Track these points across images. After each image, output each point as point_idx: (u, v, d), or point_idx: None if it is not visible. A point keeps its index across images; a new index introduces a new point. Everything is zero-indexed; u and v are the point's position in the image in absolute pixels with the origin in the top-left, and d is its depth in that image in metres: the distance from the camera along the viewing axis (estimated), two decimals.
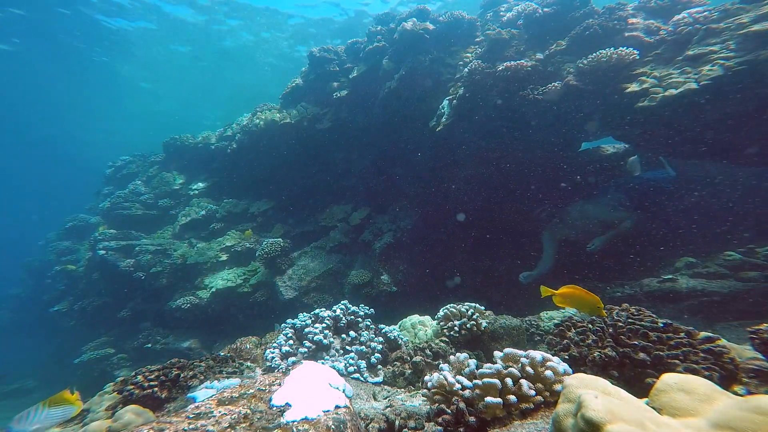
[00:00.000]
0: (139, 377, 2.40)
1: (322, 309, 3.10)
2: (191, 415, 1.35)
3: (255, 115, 7.32)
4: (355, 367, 2.63)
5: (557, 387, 1.49)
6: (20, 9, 12.74)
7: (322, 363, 2.57)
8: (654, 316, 1.97)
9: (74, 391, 1.98)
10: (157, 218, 8.71)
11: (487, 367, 1.59)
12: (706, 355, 1.70)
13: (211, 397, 1.54)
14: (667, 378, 1.13)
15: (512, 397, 1.47)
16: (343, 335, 2.91)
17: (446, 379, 1.66)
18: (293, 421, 1.30)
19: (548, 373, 1.52)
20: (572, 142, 4.90)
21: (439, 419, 1.57)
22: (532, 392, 1.49)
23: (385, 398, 2.28)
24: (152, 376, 2.38)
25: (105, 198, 9.42)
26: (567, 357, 1.97)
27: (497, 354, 1.70)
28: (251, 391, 1.52)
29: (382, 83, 6.00)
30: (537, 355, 1.58)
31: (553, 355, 1.65)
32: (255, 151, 7.44)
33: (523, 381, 1.52)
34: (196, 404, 1.47)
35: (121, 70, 18.74)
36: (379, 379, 2.61)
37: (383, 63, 5.90)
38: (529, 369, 1.55)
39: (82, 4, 13.04)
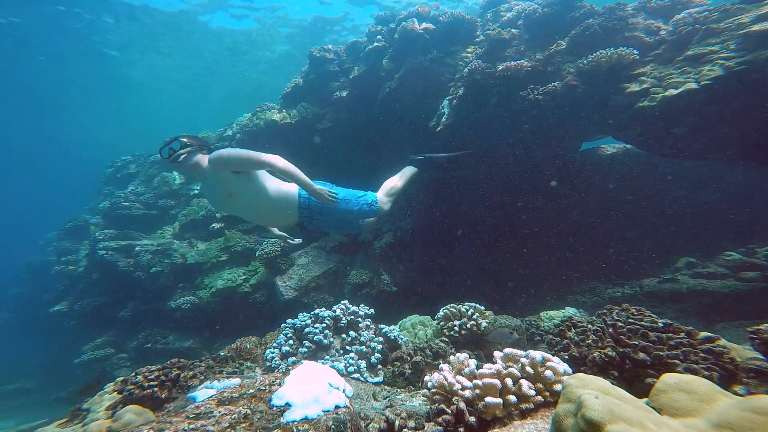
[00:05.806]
0: (139, 377, 2.41)
1: (322, 309, 3.10)
2: (191, 415, 1.35)
3: (255, 114, 7.31)
4: (355, 367, 2.63)
5: (557, 387, 1.49)
6: None
7: (322, 363, 2.57)
8: (654, 316, 1.97)
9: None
10: (157, 218, 8.71)
11: (487, 367, 1.59)
12: (706, 355, 1.70)
13: (211, 397, 1.54)
14: (667, 378, 1.13)
15: (512, 397, 1.47)
16: (343, 335, 2.91)
17: (446, 379, 1.66)
18: (293, 421, 1.30)
19: (548, 373, 1.52)
20: (572, 142, 4.90)
21: (439, 419, 1.57)
22: (532, 392, 1.49)
23: (385, 398, 2.28)
24: (152, 376, 2.39)
25: (105, 198, 9.43)
26: (567, 357, 1.97)
27: (497, 354, 1.70)
28: (251, 391, 1.52)
29: (382, 83, 5.99)
30: (537, 355, 1.58)
31: (553, 355, 1.65)
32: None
33: (523, 381, 1.52)
34: (196, 404, 1.47)
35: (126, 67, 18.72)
36: (379, 379, 2.61)
37: (383, 63, 5.90)
38: (529, 369, 1.55)
39: None
